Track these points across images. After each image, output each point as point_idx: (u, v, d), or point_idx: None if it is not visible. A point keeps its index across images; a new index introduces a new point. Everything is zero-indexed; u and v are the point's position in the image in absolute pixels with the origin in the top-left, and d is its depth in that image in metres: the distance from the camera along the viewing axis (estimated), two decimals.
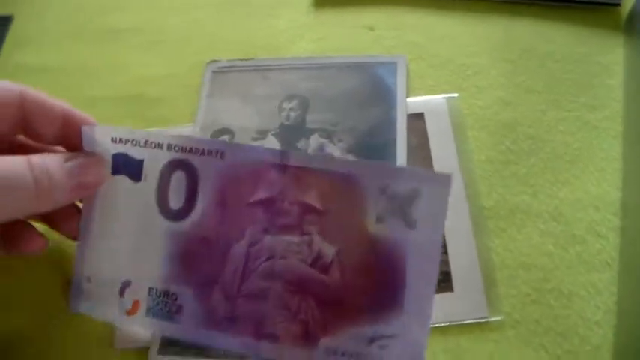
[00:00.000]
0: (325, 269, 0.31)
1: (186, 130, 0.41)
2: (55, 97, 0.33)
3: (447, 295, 0.34)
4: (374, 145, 0.39)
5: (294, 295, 0.31)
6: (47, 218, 0.36)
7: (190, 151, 0.33)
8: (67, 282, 0.36)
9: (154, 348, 0.34)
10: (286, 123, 0.41)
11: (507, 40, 0.44)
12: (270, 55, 0.45)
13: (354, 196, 0.31)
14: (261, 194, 0.32)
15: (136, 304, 0.33)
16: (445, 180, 0.29)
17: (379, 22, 0.46)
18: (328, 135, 0.39)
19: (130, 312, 0.33)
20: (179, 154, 0.33)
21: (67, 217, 0.35)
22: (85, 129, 0.33)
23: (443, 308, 0.33)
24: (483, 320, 0.33)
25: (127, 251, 0.33)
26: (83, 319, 0.34)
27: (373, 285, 0.30)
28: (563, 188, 0.37)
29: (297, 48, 0.46)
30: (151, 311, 0.33)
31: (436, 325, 0.33)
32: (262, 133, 0.40)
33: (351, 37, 0.46)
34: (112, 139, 0.33)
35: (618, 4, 0.43)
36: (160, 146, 0.33)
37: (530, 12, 0.45)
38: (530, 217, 0.36)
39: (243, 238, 0.32)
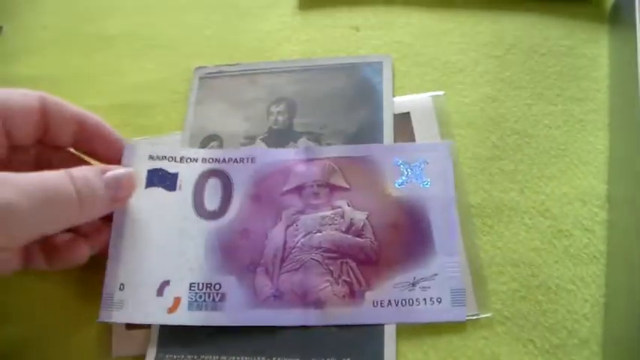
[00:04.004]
0: (359, 233, 0.35)
1: (176, 137, 0.42)
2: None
3: None
4: None
5: (334, 260, 0.35)
6: (74, 232, 0.35)
7: (224, 161, 0.38)
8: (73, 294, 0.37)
9: (151, 355, 0.34)
10: (275, 127, 0.41)
11: (493, 35, 0.44)
12: (257, 58, 0.45)
13: (373, 172, 0.37)
14: (292, 183, 0.37)
15: (176, 301, 0.34)
16: (445, 146, 0.38)
17: (364, 21, 0.46)
18: (316, 138, 0.40)
19: (171, 309, 0.34)
20: (213, 165, 0.38)
21: (96, 230, 0.35)
22: (128, 146, 0.36)
23: None
24: (473, 317, 0.34)
25: (164, 254, 0.35)
26: (80, 329, 0.35)
27: (405, 237, 0.35)
28: (550, 183, 0.37)
29: (284, 50, 0.46)
30: (193, 305, 0.34)
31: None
32: (250, 139, 0.40)
33: (337, 37, 0.46)
34: (150, 156, 0.37)
35: None
36: (194, 160, 0.38)
37: (517, 6, 0.45)
38: (518, 214, 0.37)
39: (280, 221, 0.36)
